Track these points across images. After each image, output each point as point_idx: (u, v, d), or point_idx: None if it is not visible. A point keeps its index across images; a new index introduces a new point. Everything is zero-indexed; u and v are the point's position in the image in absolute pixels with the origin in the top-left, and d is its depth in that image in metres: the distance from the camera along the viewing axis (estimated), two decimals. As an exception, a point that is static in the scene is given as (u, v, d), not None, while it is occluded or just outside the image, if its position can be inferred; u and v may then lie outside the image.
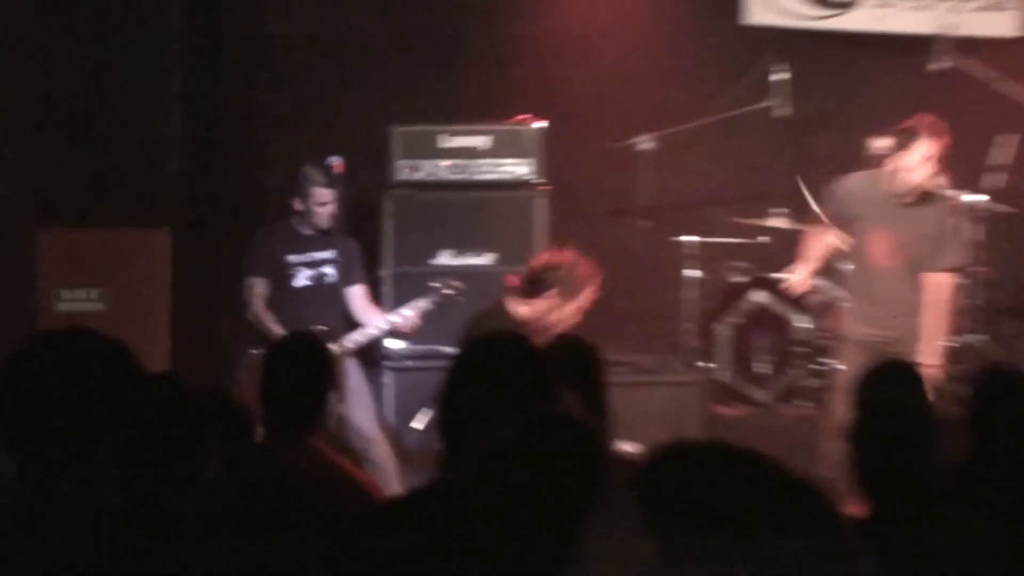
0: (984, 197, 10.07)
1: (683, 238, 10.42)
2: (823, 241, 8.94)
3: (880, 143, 9.76)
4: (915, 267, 8.39)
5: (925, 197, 8.35)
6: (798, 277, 8.85)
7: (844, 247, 9.35)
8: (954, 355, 9.54)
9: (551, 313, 7.60)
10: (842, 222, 8.68)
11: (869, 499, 4.48)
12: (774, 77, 10.57)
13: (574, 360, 5.25)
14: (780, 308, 10.13)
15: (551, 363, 4.48)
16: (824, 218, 8.89)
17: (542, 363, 4.28)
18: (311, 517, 4.73)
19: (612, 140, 10.69)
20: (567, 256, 7.90)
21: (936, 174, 8.67)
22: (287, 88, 11.29)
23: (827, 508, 2.11)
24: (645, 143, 10.55)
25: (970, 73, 10.53)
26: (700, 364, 10.37)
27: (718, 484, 2.13)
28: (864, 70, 11.38)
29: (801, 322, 10.16)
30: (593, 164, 10.94)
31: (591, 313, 9.30)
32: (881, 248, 8.64)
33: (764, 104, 10.58)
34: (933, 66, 10.47)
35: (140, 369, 3.52)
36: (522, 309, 7.60)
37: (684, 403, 9.92)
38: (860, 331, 8.39)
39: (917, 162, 8.22)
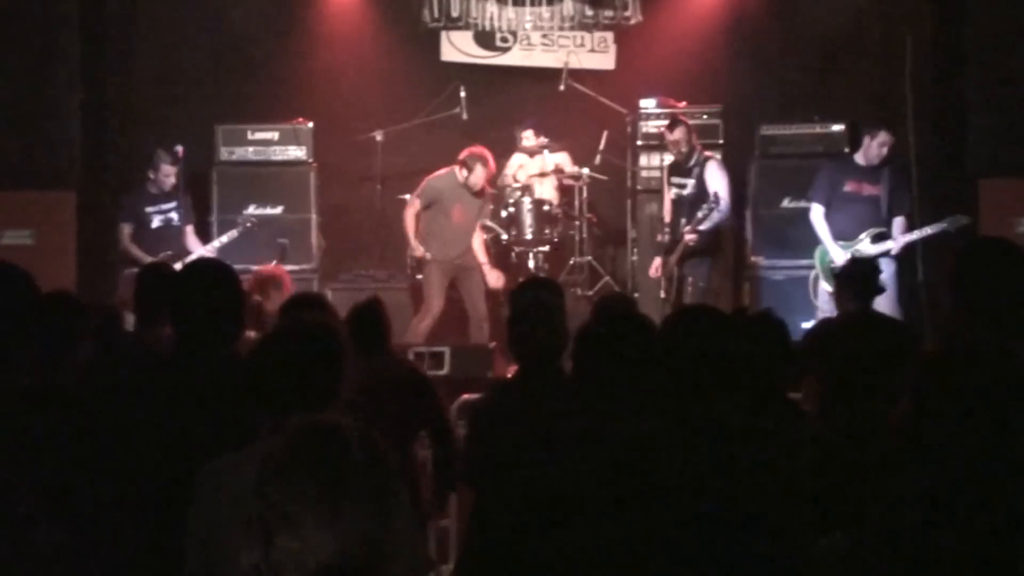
0: (586, 170, 11.93)
1: (404, 196, 11.75)
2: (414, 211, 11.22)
3: (525, 134, 12.32)
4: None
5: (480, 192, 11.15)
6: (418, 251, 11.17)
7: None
8: (571, 269, 11.99)
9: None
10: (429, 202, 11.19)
11: (518, 362, 5.21)
12: (460, 94, 12.18)
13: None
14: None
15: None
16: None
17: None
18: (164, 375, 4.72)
19: (359, 133, 12.28)
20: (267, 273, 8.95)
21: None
22: (151, 94, 12.48)
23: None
24: (380, 135, 12.14)
25: (583, 91, 12.22)
26: (416, 276, 11.80)
27: None
28: (517, 89, 13.01)
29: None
30: (347, 149, 12.43)
31: (352, 244, 12.02)
32: (457, 214, 11.20)
33: (454, 111, 12.24)
34: (561, 87, 12.22)
35: (37, 290, 3.89)
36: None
37: (402, 300, 11.53)
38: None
39: (480, 178, 11.04)
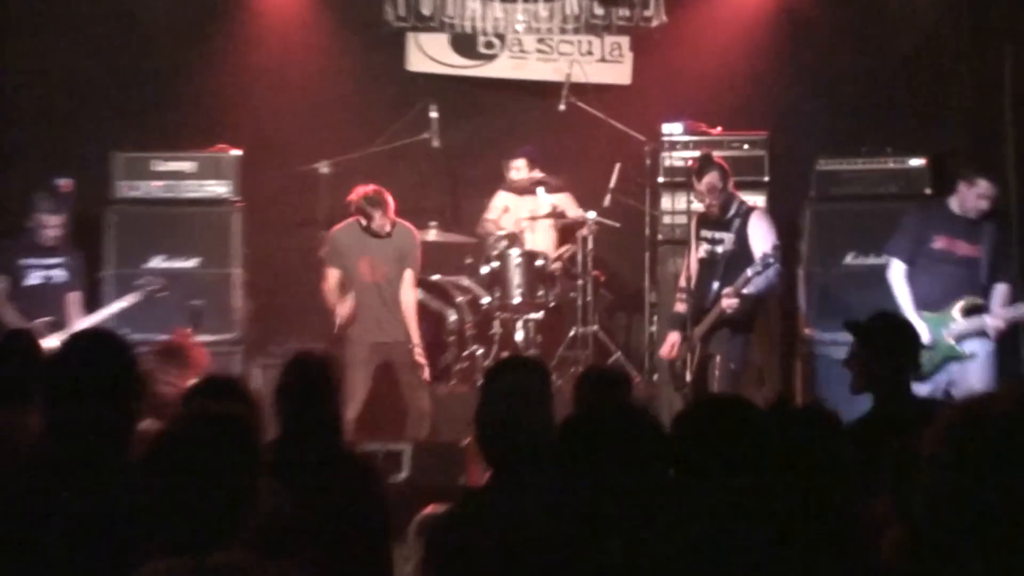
0: (593, 215, 11.67)
1: (355, 245, 10.77)
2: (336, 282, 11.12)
3: (515, 164, 12.17)
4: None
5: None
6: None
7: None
8: (572, 342, 11.77)
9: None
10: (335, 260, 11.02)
11: (489, 465, 5.10)
12: (431, 114, 11.99)
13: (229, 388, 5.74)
14: (435, 304, 11.79)
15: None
16: None
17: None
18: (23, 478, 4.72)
19: (298, 164, 12.10)
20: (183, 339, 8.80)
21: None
22: (30, 112, 12.69)
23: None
24: (325, 167, 11.99)
25: (590, 111, 12.10)
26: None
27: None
28: (504, 109, 12.89)
29: (453, 316, 11.76)
30: (282, 184, 12.41)
31: (286, 307, 12.16)
32: (364, 269, 11.02)
33: (422, 136, 12.07)
34: (561, 107, 11.99)
35: None
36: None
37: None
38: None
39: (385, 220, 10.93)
